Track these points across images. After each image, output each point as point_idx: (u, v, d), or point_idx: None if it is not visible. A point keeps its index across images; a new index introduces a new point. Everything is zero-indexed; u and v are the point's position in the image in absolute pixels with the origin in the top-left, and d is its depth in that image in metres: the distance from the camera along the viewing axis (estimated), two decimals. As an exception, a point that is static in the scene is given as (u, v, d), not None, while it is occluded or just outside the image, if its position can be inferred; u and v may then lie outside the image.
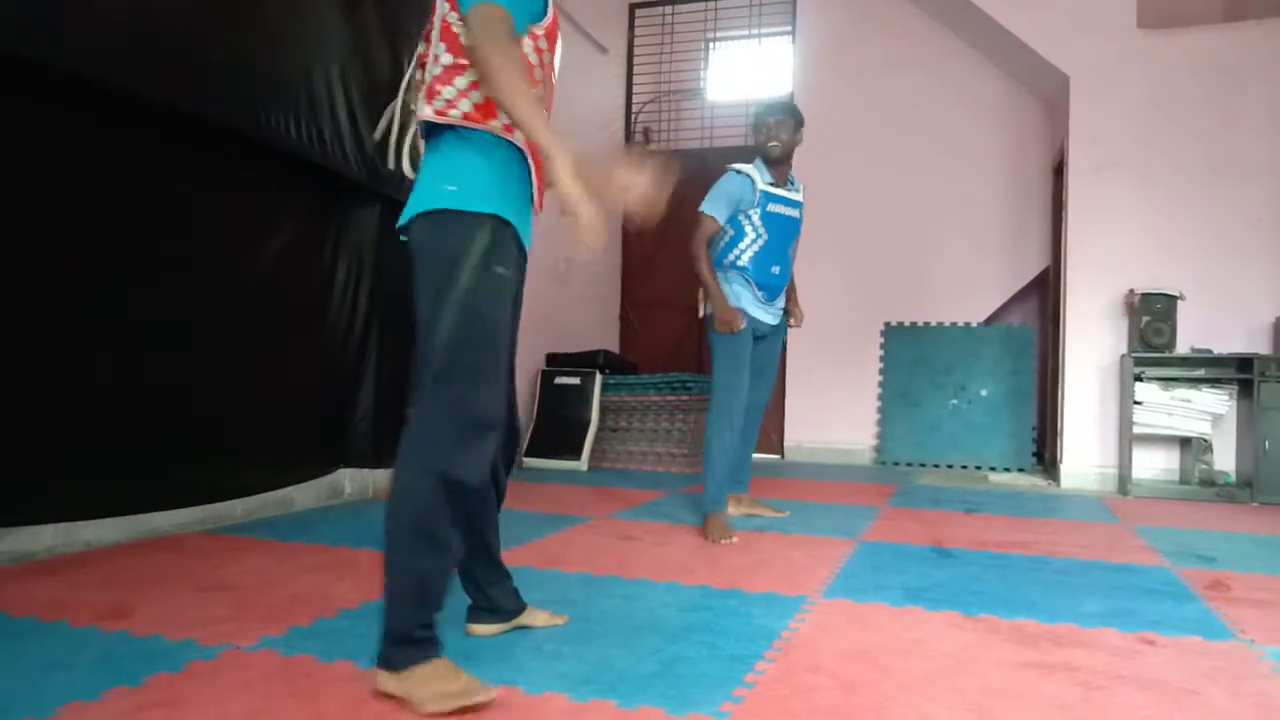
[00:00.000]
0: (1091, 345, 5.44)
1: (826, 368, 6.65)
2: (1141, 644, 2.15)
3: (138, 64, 2.72)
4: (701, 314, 3.72)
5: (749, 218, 3.60)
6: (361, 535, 3.24)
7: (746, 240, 3.61)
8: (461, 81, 1.73)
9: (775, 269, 3.66)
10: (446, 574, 1.73)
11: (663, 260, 7.26)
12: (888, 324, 6.60)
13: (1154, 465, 5.29)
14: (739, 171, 3.64)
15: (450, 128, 1.75)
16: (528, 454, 5.71)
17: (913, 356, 6.50)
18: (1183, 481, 5.18)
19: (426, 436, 1.68)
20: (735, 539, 3.32)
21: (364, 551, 2.95)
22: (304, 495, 3.80)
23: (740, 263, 3.61)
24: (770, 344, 3.84)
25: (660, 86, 7.61)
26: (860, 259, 6.63)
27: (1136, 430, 5.10)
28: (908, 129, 6.57)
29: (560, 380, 5.91)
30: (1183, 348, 5.11)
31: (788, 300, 3.89)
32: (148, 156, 2.90)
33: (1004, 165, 6.44)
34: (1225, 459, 5.13)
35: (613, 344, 7.30)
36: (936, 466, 6.29)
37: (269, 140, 3.24)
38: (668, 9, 7.48)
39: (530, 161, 1.81)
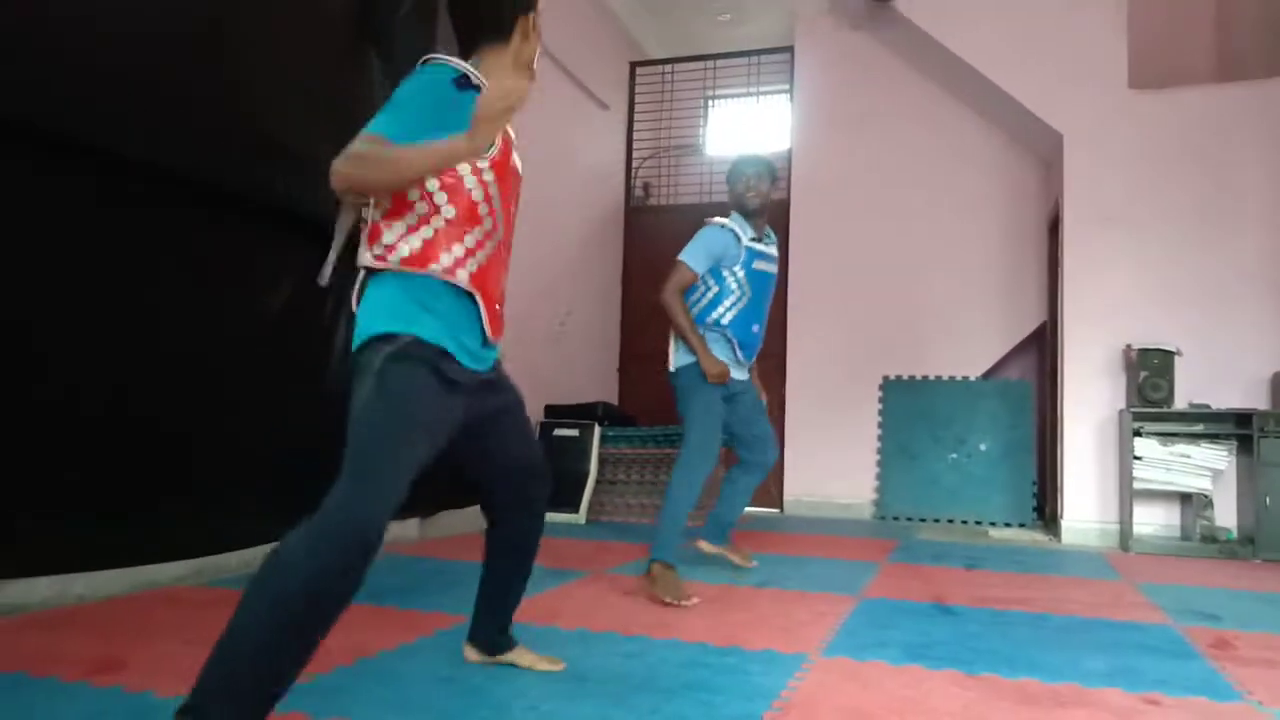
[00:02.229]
0: (1089, 400, 5.45)
1: (825, 422, 6.65)
2: (1146, 704, 2.12)
3: (151, 131, 2.77)
4: (672, 367, 3.59)
5: (733, 274, 3.52)
6: (360, 590, 3.20)
7: (731, 298, 3.52)
8: (399, 227, 1.77)
9: (755, 327, 3.61)
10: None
11: (662, 313, 7.26)
12: (886, 378, 6.61)
13: (1154, 521, 5.26)
14: (722, 226, 3.55)
15: (390, 272, 1.78)
16: (525, 506, 5.67)
17: (911, 410, 6.50)
18: (1184, 538, 5.15)
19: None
20: (695, 601, 3.12)
21: (358, 606, 2.91)
22: (300, 548, 3.76)
23: (724, 321, 3.52)
24: (752, 397, 3.75)
25: (660, 142, 7.72)
26: (858, 313, 6.66)
27: (1136, 486, 5.08)
28: (905, 185, 6.65)
29: (559, 432, 5.90)
30: (1181, 403, 5.12)
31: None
32: (159, 215, 2.93)
33: (1000, 220, 6.51)
34: (1226, 515, 5.10)
35: (611, 396, 7.30)
36: (936, 521, 6.26)
37: (271, 201, 3.27)
38: (668, 67, 7.61)
39: (478, 299, 1.84)
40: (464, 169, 1.80)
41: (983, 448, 6.32)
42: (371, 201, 1.79)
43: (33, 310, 2.60)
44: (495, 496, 2.16)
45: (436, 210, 1.78)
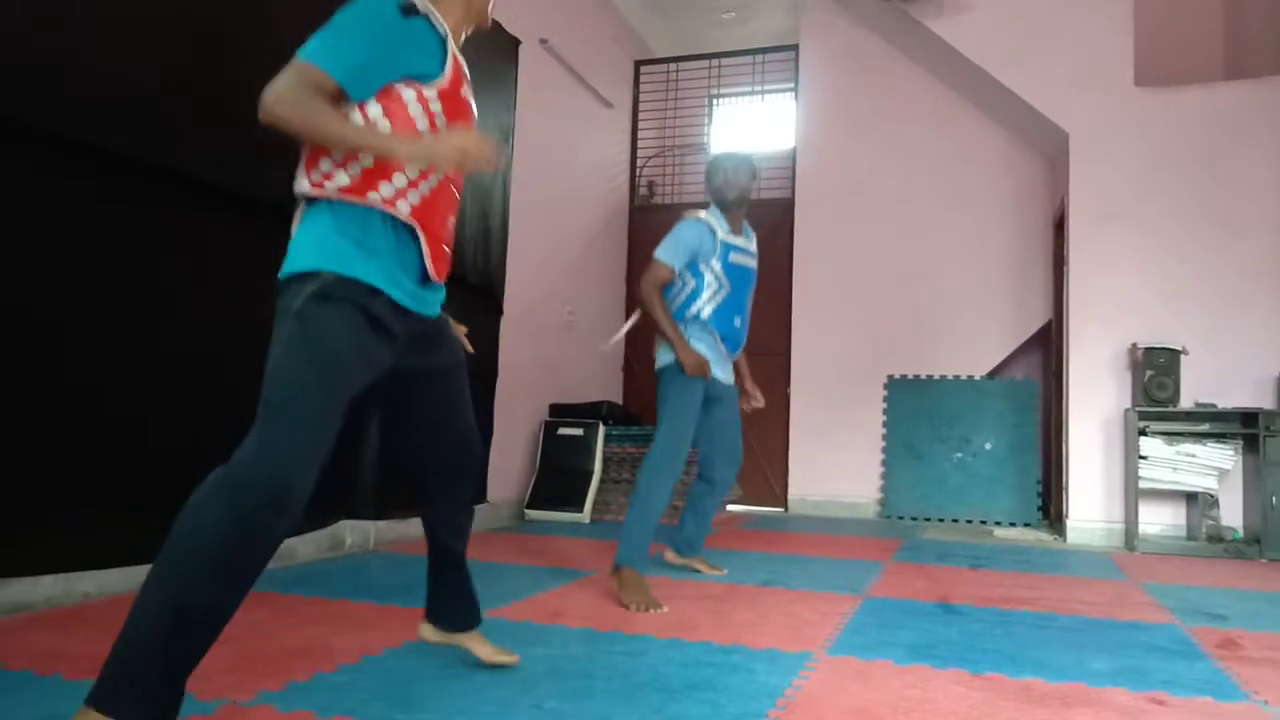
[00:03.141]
0: (1095, 399, 5.43)
1: (830, 421, 6.64)
2: (1152, 704, 2.11)
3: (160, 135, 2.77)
4: (657, 366, 3.54)
5: (709, 268, 3.47)
6: (361, 588, 3.21)
7: (708, 292, 3.46)
8: (336, 154, 1.68)
9: (737, 320, 3.55)
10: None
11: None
12: (891, 377, 6.60)
13: (1160, 520, 5.25)
14: (697, 220, 3.49)
15: (326, 200, 1.70)
16: (529, 505, 5.68)
17: (916, 409, 6.49)
18: (1190, 537, 5.14)
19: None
20: (665, 609, 2.96)
21: (363, 604, 2.92)
22: (305, 547, 3.77)
23: (703, 315, 3.46)
24: (730, 408, 3.69)
25: (664, 141, 7.72)
26: (863, 312, 6.65)
27: (1142, 485, 5.07)
28: (910, 183, 6.65)
29: (563, 431, 5.90)
30: (1186, 402, 5.10)
31: (740, 379, 3.80)
32: (161, 215, 2.94)
33: (1006, 219, 6.50)
34: (1232, 514, 5.09)
35: (616, 395, 7.30)
36: (941, 520, 6.25)
37: (277, 202, 3.27)
38: (672, 65, 7.61)
39: (419, 233, 1.76)
40: (409, 95, 1.72)
41: (988, 447, 6.31)
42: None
43: (41, 310, 2.60)
44: (428, 472, 2.04)
45: None
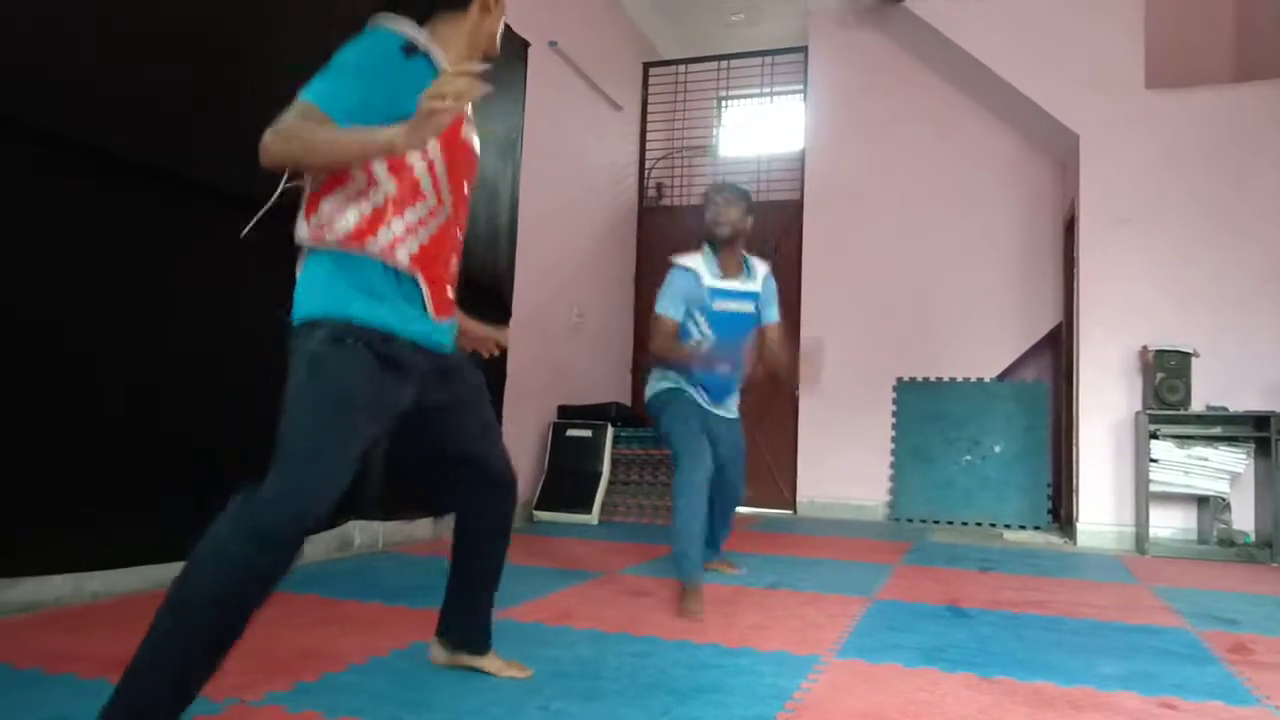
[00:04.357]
0: (1105, 402, 5.41)
1: (839, 423, 6.63)
2: (1162, 708, 2.10)
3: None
4: (647, 397, 3.55)
5: (693, 318, 3.40)
6: (369, 588, 3.22)
7: (691, 342, 3.39)
8: (335, 202, 1.67)
9: (723, 369, 3.38)
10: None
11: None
12: (900, 379, 6.58)
13: (1171, 524, 5.22)
14: (685, 268, 3.42)
15: (326, 249, 1.68)
16: (537, 506, 5.69)
17: (926, 412, 6.47)
18: (1201, 541, 5.11)
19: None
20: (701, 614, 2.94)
21: (372, 605, 2.93)
22: (312, 547, 3.78)
23: (681, 365, 3.40)
24: (730, 446, 3.55)
25: (673, 143, 7.71)
26: (873, 314, 6.64)
27: (1153, 488, 5.05)
28: (919, 186, 6.63)
29: (571, 432, 5.90)
30: (1198, 405, 5.07)
31: (770, 365, 3.61)
32: (177, 216, 2.95)
33: (1015, 221, 6.47)
34: (1244, 518, 5.06)
35: (624, 396, 7.29)
36: (950, 523, 6.23)
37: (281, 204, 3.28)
38: (681, 67, 7.61)
39: (420, 281, 1.74)
40: None
41: (997, 450, 6.28)
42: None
43: (45, 310, 2.61)
44: (459, 503, 2.07)
45: (375, 184, 1.67)
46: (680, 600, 3.03)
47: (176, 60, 2.94)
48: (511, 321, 5.23)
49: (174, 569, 3.07)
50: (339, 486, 1.57)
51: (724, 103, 8.15)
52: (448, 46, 1.80)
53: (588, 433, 5.88)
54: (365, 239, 1.67)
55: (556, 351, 6.06)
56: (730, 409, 3.59)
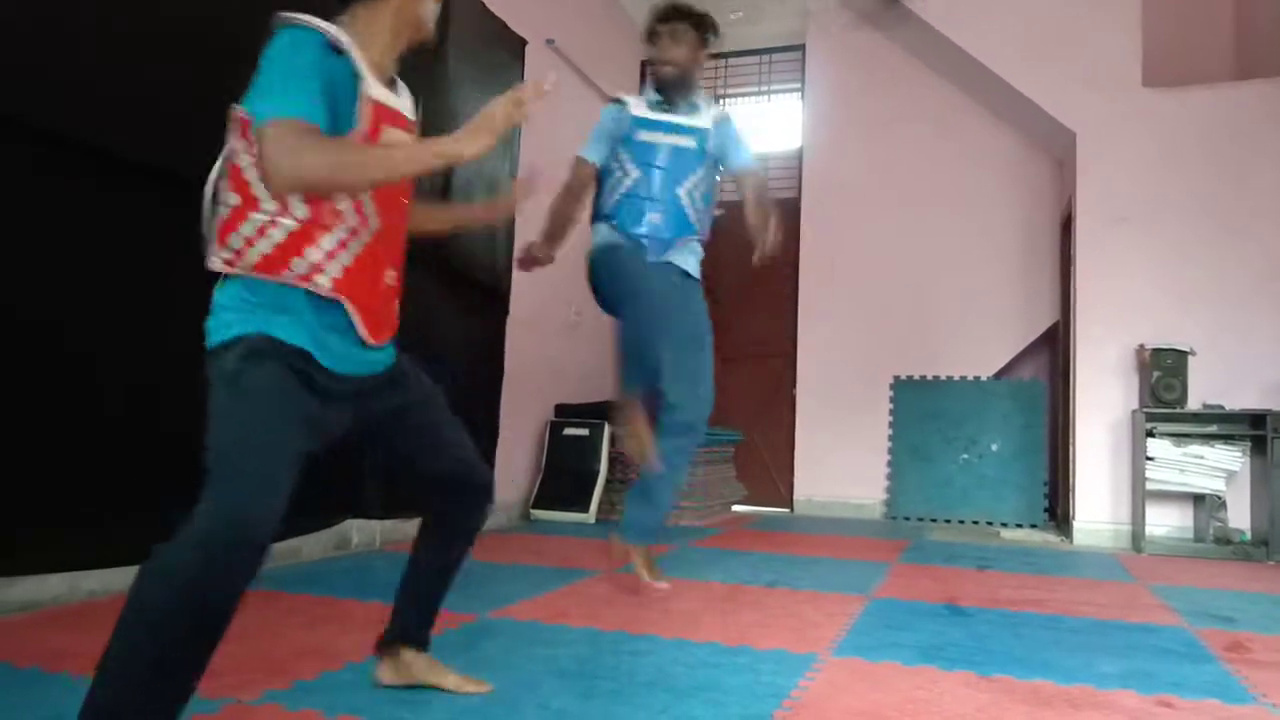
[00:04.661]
0: (1102, 400, 5.42)
1: (836, 421, 6.63)
2: (1160, 706, 2.11)
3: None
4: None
5: (618, 159, 2.93)
6: (368, 587, 3.21)
7: (611, 181, 2.92)
8: (248, 228, 1.55)
9: (654, 216, 2.85)
10: None
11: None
12: (897, 378, 6.59)
13: (1168, 522, 5.23)
14: (616, 100, 2.99)
15: (240, 277, 1.58)
16: (535, 505, 5.68)
17: (923, 411, 6.47)
18: (1197, 539, 5.12)
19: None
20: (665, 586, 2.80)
21: (370, 603, 2.92)
22: (311, 546, 3.78)
23: (606, 209, 2.96)
24: (691, 314, 3.07)
25: (671, 141, 7.70)
26: (870, 312, 6.65)
27: (1149, 487, 5.06)
28: (917, 184, 6.64)
29: (569, 431, 5.90)
30: (1194, 403, 5.08)
31: (753, 224, 3.02)
32: (179, 216, 2.95)
33: (1013, 220, 6.48)
34: (1240, 516, 5.07)
35: (622, 395, 7.28)
36: (948, 522, 6.24)
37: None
38: (679, 66, 7.59)
39: (348, 305, 1.62)
40: None
41: (994, 448, 6.29)
42: (210, 193, 1.61)
43: (44, 309, 2.61)
44: (431, 508, 2.00)
45: (286, 208, 1.56)
46: (644, 566, 2.91)
47: (176, 60, 2.93)
48: (509, 320, 5.23)
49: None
50: (278, 496, 1.47)
51: (722, 100, 8.14)
52: (370, 36, 1.67)
53: (585, 431, 5.88)
54: (280, 269, 1.56)
55: (554, 350, 6.06)
56: (689, 263, 3.06)
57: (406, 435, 1.84)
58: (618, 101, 2.94)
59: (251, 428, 1.49)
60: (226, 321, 1.56)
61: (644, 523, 3.03)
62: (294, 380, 1.55)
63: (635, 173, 2.86)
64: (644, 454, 2.81)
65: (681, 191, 2.87)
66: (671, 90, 2.92)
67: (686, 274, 3.03)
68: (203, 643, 1.42)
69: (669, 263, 2.94)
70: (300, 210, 1.57)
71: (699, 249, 3.11)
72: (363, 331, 1.65)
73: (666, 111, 2.92)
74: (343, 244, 1.61)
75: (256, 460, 1.47)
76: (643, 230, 2.84)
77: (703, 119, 2.95)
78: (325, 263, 1.59)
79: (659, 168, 2.85)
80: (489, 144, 1.57)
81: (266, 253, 1.56)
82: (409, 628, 2.03)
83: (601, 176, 2.95)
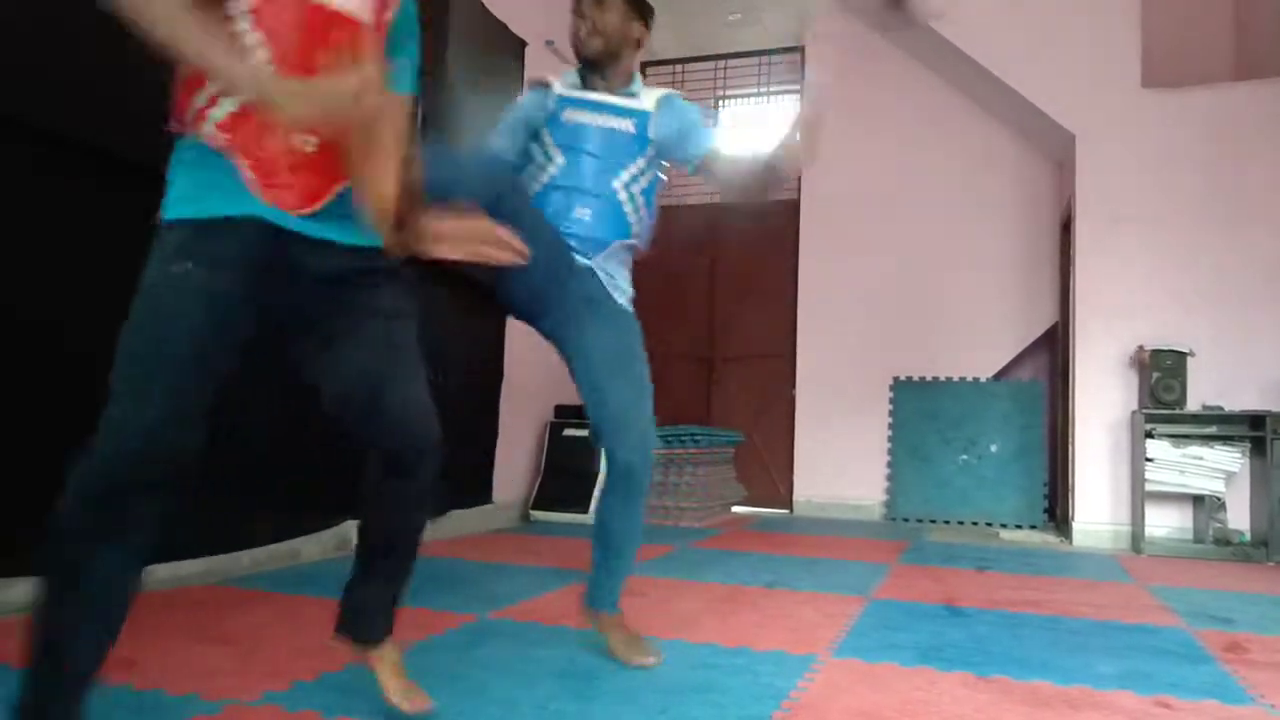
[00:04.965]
0: (1101, 401, 5.42)
1: (835, 422, 6.64)
2: (1158, 707, 2.11)
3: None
4: None
5: (540, 142, 2.39)
6: (367, 588, 3.21)
7: (532, 169, 2.39)
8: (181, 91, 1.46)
9: (583, 211, 2.33)
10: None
11: (673, 313, 7.29)
12: (896, 378, 6.59)
13: (1167, 523, 5.24)
14: (538, 82, 2.46)
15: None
16: (534, 506, 5.68)
17: (922, 411, 6.48)
18: (1197, 540, 5.12)
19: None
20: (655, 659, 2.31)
21: (369, 604, 2.92)
22: (310, 547, 3.78)
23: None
24: (608, 321, 2.47)
25: (670, 142, 7.70)
26: (869, 314, 6.65)
27: (1149, 488, 5.06)
28: (916, 185, 6.64)
29: (569, 432, 5.90)
30: (1194, 404, 5.09)
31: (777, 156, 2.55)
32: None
33: (1012, 220, 6.48)
34: (1239, 517, 5.07)
35: (621, 396, 7.29)
36: (947, 523, 6.24)
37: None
38: (678, 67, 7.62)
39: (234, 155, 1.44)
40: None
41: (994, 449, 6.29)
42: None
43: (41, 310, 2.61)
44: (368, 462, 1.71)
45: None
46: (621, 640, 2.36)
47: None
48: (509, 320, 5.23)
49: (173, 568, 3.08)
50: (173, 407, 1.39)
51: (721, 102, 8.15)
52: None
53: (585, 432, 5.87)
54: (177, 115, 1.46)
55: (553, 351, 6.05)
56: (605, 275, 2.45)
57: (345, 353, 1.58)
58: (542, 84, 2.43)
59: (139, 344, 1.41)
60: (165, 203, 1.48)
61: (611, 588, 2.53)
62: (186, 265, 1.39)
63: (560, 159, 2.34)
64: (640, 652, 2.35)
65: (618, 184, 2.35)
66: (600, 65, 2.38)
67: (609, 294, 2.46)
68: (90, 599, 1.40)
69: (594, 271, 2.40)
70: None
71: (630, 261, 2.59)
72: (257, 192, 1.43)
73: (596, 92, 2.41)
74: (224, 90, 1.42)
75: (147, 384, 1.41)
76: (569, 228, 2.32)
77: (643, 101, 2.43)
78: (209, 107, 1.43)
79: (590, 153, 2.34)
80: (308, 118, 1.37)
81: (176, 100, 1.47)
82: (345, 622, 1.84)
83: (518, 168, 2.43)
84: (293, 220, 1.47)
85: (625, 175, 2.38)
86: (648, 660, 2.32)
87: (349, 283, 1.56)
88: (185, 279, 1.39)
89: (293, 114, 1.34)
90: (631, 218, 2.41)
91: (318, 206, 1.49)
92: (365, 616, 1.82)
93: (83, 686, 1.40)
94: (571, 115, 2.36)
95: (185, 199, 1.44)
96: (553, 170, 2.34)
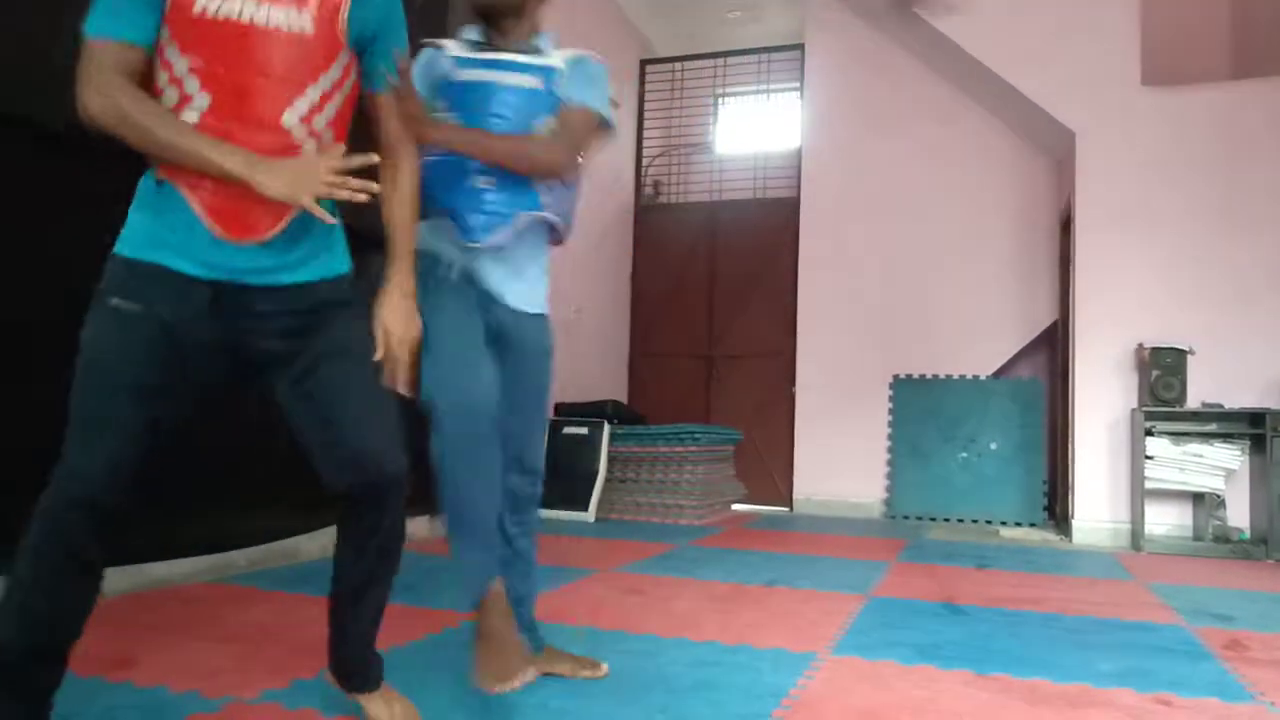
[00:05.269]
0: (1101, 399, 5.42)
1: (835, 420, 6.63)
2: (1158, 704, 2.11)
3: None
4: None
5: (436, 105, 2.03)
6: (367, 586, 3.21)
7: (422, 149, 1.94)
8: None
9: (485, 181, 1.96)
10: None
11: (673, 311, 7.30)
12: (896, 376, 6.59)
13: (1166, 521, 5.23)
14: (432, 44, 2.11)
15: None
16: (535, 505, 5.68)
17: (922, 409, 6.48)
18: (1196, 538, 5.12)
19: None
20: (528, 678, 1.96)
21: (369, 603, 2.92)
22: (309, 545, 3.78)
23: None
24: (524, 358, 2.13)
25: (670, 140, 7.72)
26: (868, 312, 6.64)
27: (1148, 485, 5.06)
28: (915, 183, 6.63)
29: (568, 430, 5.90)
30: (1193, 402, 5.09)
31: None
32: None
33: (1012, 219, 6.48)
34: (1239, 515, 5.07)
35: (621, 394, 7.30)
36: (947, 520, 6.24)
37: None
38: (678, 65, 7.61)
39: (175, 185, 1.46)
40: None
41: (993, 447, 6.29)
42: None
43: (41, 309, 2.61)
44: (335, 490, 1.64)
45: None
46: (478, 651, 1.93)
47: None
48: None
49: (172, 566, 3.08)
50: (118, 470, 1.46)
51: (721, 100, 8.16)
52: None
53: (584, 430, 5.88)
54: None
55: (556, 347, 6.06)
56: (519, 282, 2.08)
57: (301, 394, 1.56)
58: (433, 45, 2.10)
59: (88, 403, 1.45)
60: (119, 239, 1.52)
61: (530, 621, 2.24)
62: (111, 317, 1.45)
63: (457, 120, 1.98)
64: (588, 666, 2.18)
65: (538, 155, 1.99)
66: (501, 19, 2.06)
67: (512, 308, 2.07)
68: (49, 606, 1.47)
69: (479, 272, 2.01)
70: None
71: (544, 245, 2.17)
72: (205, 220, 1.45)
73: (496, 51, 2.07)
74: (185, 100, 1.45)
75: (83, 435, 1.47)
76: (469, 202, 1.96)
77: (552, 59, 2.09)
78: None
79: (494, 114, 1.99)
80: (293, 199, 1.43)
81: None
82: (332, 662, 1.78)
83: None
84: (241, 259, 1.49)
85: (539, 125, 2.03)
86: (603, 668, 2.20)
87: (298, 327, 1.56)
88: (132, 323, 1.43)
89: (273, 192, 1.41)
90: (540, 187, 2.03)
91: (271, 234, 1.50)
92: (354, 674, 1.78)
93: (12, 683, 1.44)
94: (470, 75, 2.03)
95: (139, 239, 1.48)
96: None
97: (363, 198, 1.49)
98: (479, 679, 1.87)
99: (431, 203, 1.93)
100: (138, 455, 1.47)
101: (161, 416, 1.48)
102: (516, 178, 1.98)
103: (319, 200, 1.46)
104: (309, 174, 1.43)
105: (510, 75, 2.03)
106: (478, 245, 1.96)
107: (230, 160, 1.40)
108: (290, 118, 1.49)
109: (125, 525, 1.51)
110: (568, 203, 2.16)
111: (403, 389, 1.69)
